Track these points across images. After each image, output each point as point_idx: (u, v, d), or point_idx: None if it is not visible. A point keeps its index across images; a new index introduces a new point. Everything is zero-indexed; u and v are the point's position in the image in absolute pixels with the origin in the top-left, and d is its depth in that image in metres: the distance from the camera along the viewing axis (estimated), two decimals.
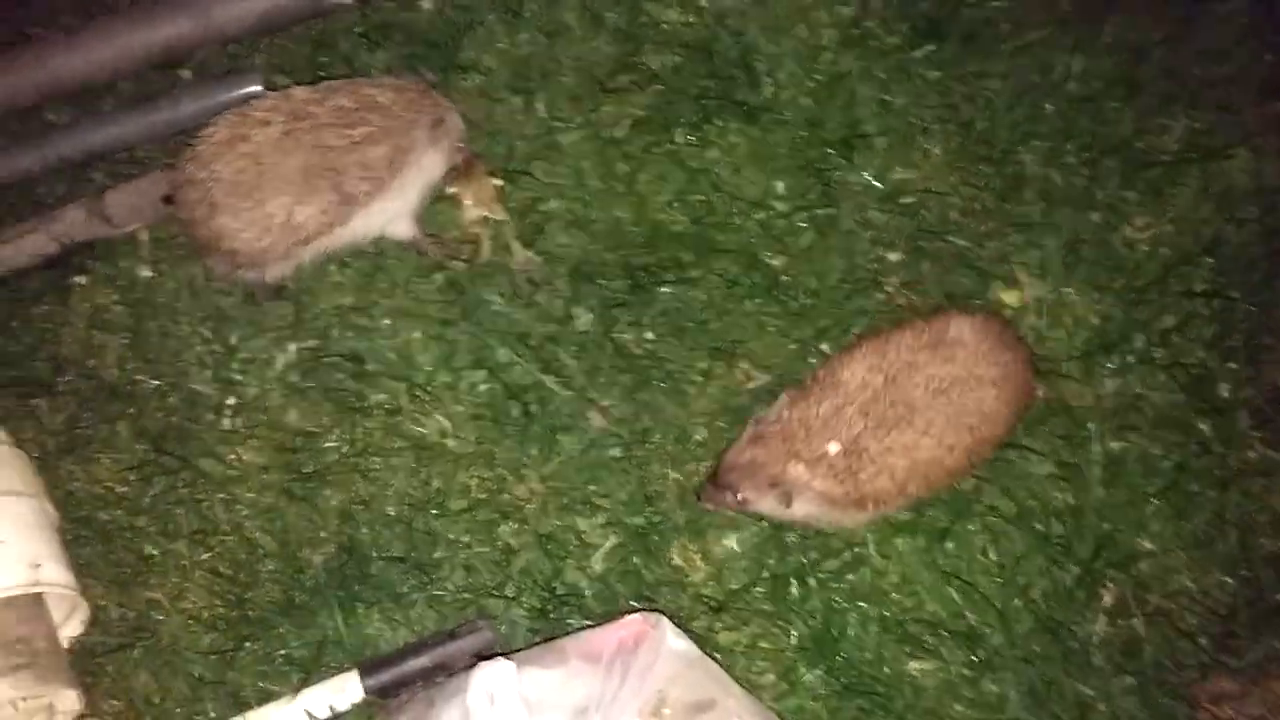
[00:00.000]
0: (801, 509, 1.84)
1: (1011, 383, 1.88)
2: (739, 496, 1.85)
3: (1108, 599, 1.94)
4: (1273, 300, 2.14)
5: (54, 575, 1.71)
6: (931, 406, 1.80)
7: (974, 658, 1.90)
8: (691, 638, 1.67)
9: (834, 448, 1.79)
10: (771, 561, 1.95)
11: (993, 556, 1.96)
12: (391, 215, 2.07)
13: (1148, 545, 1.98)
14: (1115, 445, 2.04)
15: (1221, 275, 2.16)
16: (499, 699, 1.50)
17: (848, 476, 1.79)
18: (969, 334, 1.87)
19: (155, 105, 2.19)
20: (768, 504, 1.85)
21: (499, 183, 2.15)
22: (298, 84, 2.05)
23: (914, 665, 1.90)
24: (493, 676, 1.52)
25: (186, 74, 2.26)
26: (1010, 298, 2.17)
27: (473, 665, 1.76)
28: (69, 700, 1.68)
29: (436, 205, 2.16)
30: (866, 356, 1.86)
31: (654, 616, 1.67)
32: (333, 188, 1.95)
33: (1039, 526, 1.97)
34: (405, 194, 2.05)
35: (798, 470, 1.79)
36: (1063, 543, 1.96)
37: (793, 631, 1.90)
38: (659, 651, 1.60)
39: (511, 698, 1.51)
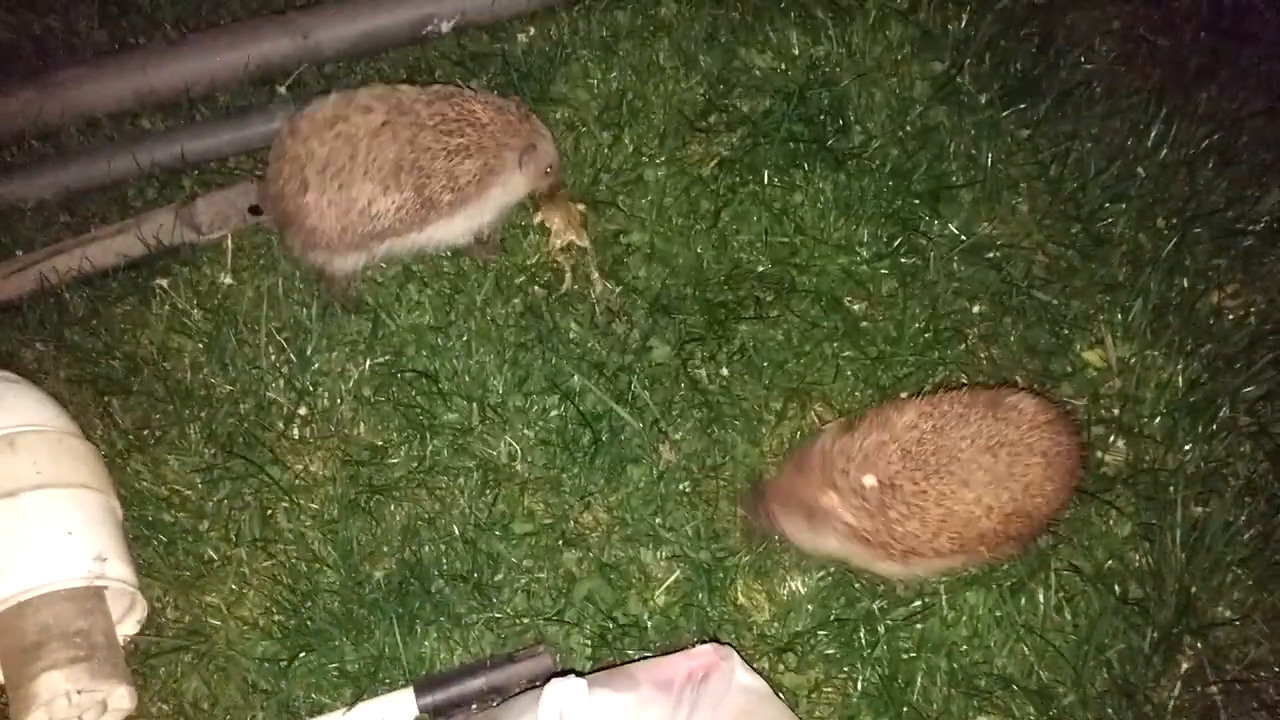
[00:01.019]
0: (830, 541, 1.82)
1: (1060, 464, 1.81)
2: (773, 520, 1.87)
3: (1185, 665, 1.89)
4: None
5: (117, 571, 1.71)
6: (975, 461, 1.76)
7: (1045, 717, 1.84)
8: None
9: (870, 480, 1.76)
10: (839, 606, 1.91)
11: (1068, 615, 1.92)
12: (466, 228, 2.09)
13: (1227, 614, 1.94)
14: (1197, 510, 2.01)
15: None
16: (569, 718, 1.47)
17: (878, 513, 1.75)
18: (1029, 404, 1.83)
19: (249, 119, 2.25)
20: (799, 529, 1.85)
21: (583, 210, 2.18)
22: None
23: None
24: (564, 694, 1.49)
25: (282, 90, 2.32)
26: (1094, 357, 2.16)
27: (528, 690, 1.75)
28: (122, 698, 1.66)
29: (523, 231, 2.19)
30: (921, 402, 1.84)
31: (724, 649, 1.65)
32: (416, 189, 1.98)
33: (1117, 587, 1.93)
34: (484, 211, 2.08)
35: (830, 500, 1.77)
36: (1141, 605, 1.92)
37: (858, 678, 1.85)
38: (729, 684, 1.58)
39: (581, 717, 1.47)
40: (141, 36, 2.38)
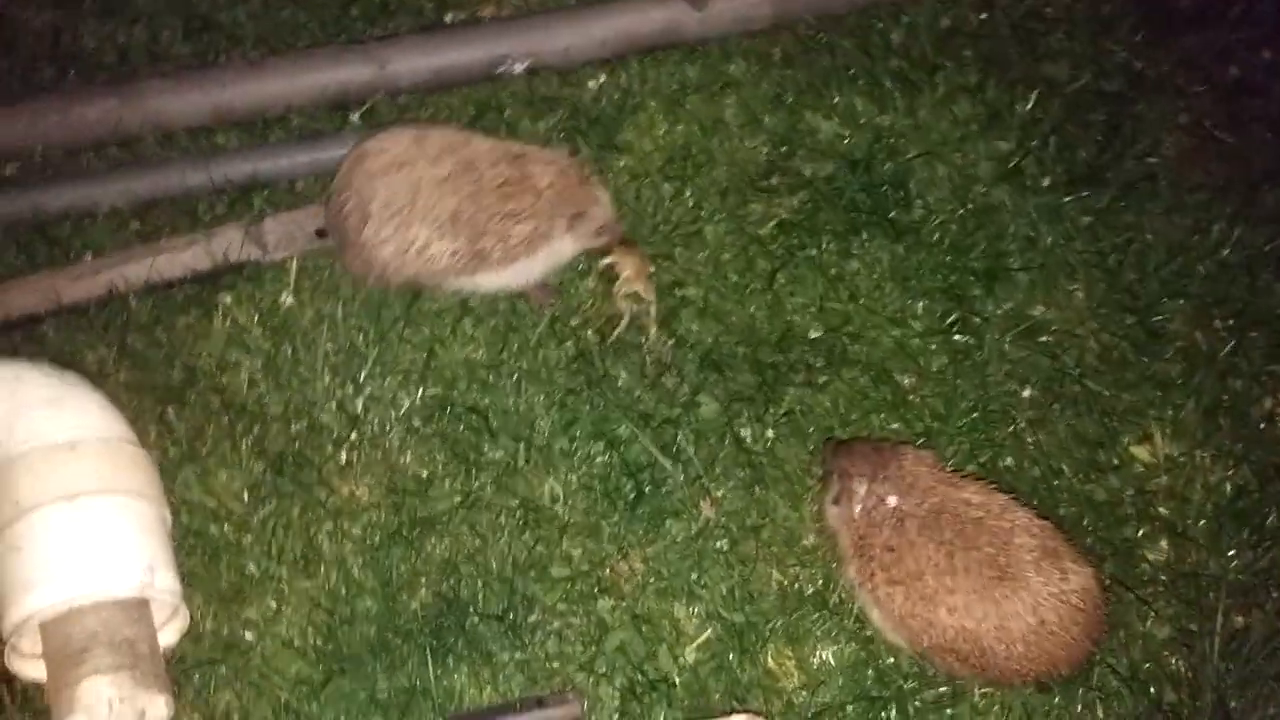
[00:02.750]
0: (832, 515, 1.98)
1: (1048, 645, 1.84)
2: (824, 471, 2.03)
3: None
4: None
5: (165, 582, 1.77)
6: (978, 571, 1.83)
7: None
8: None
9: (892, 500, 1.89)
10: (868, 681, 1.96)
11: (1100, 714, 1.95)
12: (516, 282, 2.22)
13: None
14: (1238, 620, 2.05)
15: None
16: None
17: (876, 526, 1.89)
18: (1078, 577, 1.85)
19: (322, 143, 2.36)
20: (831, 495, 1.98)
21: (652, 268, 2.26)
22: None
23: None
24: None
25: (355, 118, 2.43)
26: (1142, 452, 2.21)
27: None
28: (160, 707, 1.72)
29: (581, 275, 2.28)
30: (990, 492, 1.92)
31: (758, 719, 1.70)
32: (469, 240, 2.12)
33: (1153, 690, 1.97)
34: (533, 269, 2.22)
35: (859, 488, 1.91)
36: (1175, 712, 1.96)
37: None
38: None
39: None
40: (223, 54, 2.50)
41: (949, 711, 1.95)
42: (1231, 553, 2.11)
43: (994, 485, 1.97)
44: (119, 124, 2.36)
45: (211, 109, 2.39)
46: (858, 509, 1.91)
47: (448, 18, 2.61)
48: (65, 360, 2.09)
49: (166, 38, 2.54)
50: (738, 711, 1.87)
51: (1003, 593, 1.82)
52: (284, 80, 2.42)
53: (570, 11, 2.56)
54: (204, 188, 2.31)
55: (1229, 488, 2.17)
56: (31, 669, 1.78)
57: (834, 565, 2.03)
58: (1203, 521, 2.14)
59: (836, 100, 2.52)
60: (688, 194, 2.39)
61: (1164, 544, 2.11)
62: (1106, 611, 1.92)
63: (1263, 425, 2.25)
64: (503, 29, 2.52)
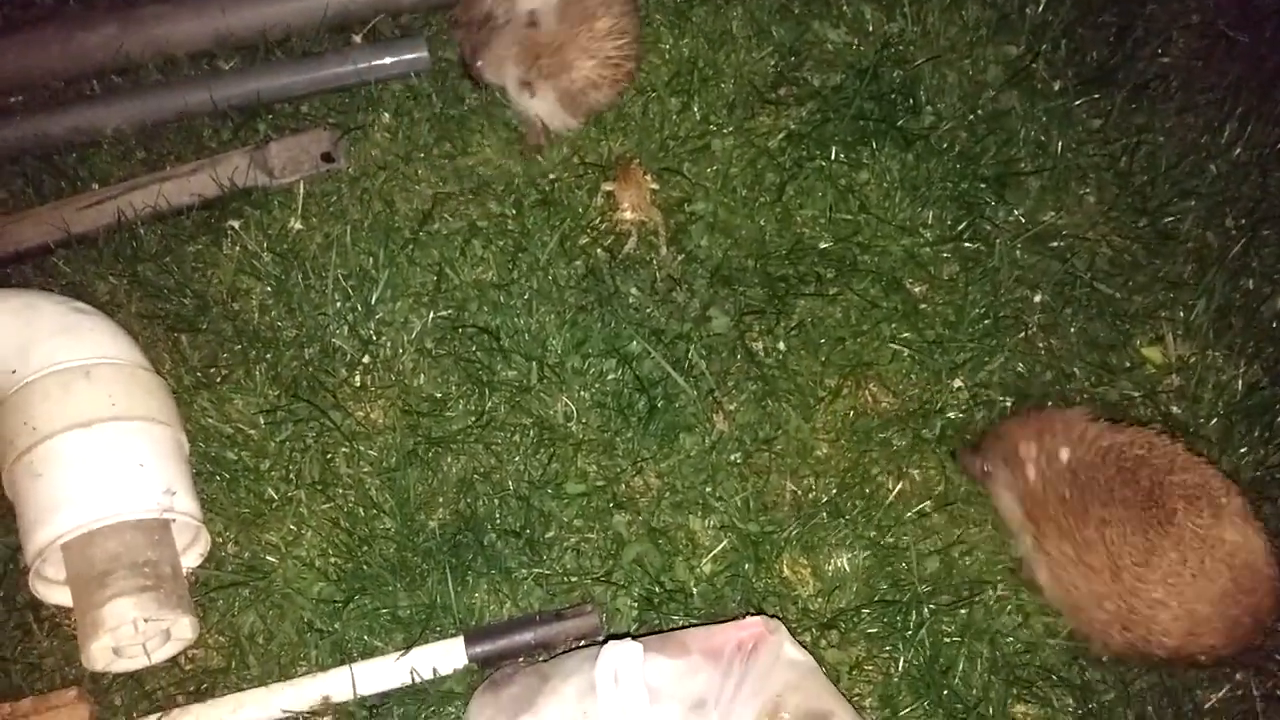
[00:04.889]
0: (1004, 495, 1.82)
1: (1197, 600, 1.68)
2: (985, 468, 1.85)
3: (1238, 675, 1.85)
4: None
5: (185, 505, 1.70)
6: (1129, 504, 1.69)
7: (1084, 710, 1.81)
8: None
9: (1065, 454, 1.75)
10: (884, 586, 1.88)
11: None
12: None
13: None
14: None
15: None
16: (623, 679, 1.46)
17: (1051, 485, 1.74)
18: (1239, 538, 1.68)
19: (323, 62, 2.21)
20: (1001, 483, 1.83)
21: (654, 187, 2.13)
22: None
23: (1020, 709, 1.82)
24: (620, 656, 1.47)
25: (357, 39, 2.28)
26: (1154, 354, 2.09)
27: (576, 648, 1.74)
28: (185, 628, 1.66)
29: (592, 197, 2.14)
30: (1157, 442, 1.75)
31: (773, 622, 1.63)
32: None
33: None
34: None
35: (1028, 450, 1.76)
36: None
37: (900, 659, 1.82)
38: (777, 657, 1.56)
39: (636, 680, 1.46)
40: None
41: (963, 613, 1.86)
42: (1243, 449, 2.00)
43: (1155, 429, 1.83)
44: (120, 50, 2.20)
45: (212, 33, 2.23)
46: (1032, 473, 1.77)
47: None
48: (77, 291, 2.00)
49: None
50: (752, 614, 1.79)
51: (1150, 521, 1.67)
52: (284, 2, 2.24)
53: None
54: (208, 112, 2.17)
55: (1240, 386, 2.05)
56: (57, 595, 1.72)
57: (1006, 541, 1.90)
58: (1214, 420, 2.03)
59: (844, 8, 2.34)
60: (695, 108, 2.23)
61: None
62: (1272, 582, 1.69)
63: (1275, 323, 2.11)
64: None
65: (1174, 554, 1.65)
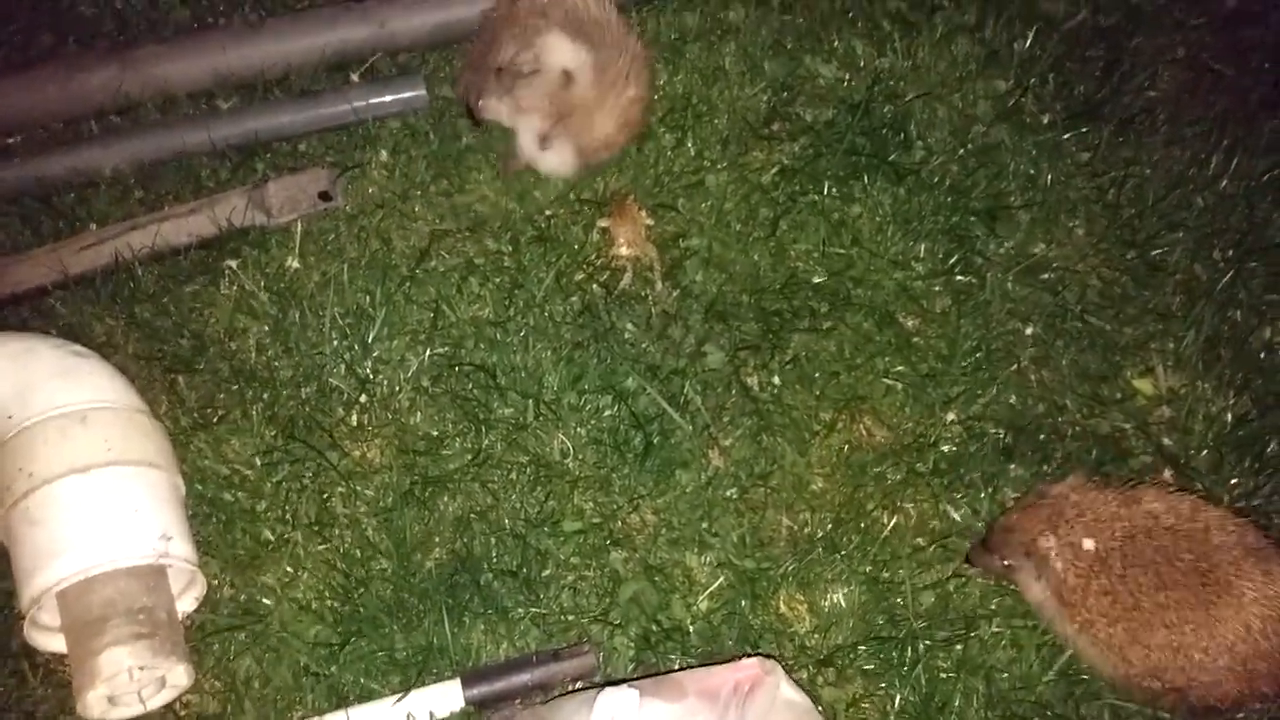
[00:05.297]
0: (1034, 587, 1.76)
1: (1255, 670, 1.67)
2: (1004, 563, 1.78)
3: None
4: None
5: (180, 550, 1.67)
6: (1183, 583, 1.66)
7: None
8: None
9: (1089, 545, 1.70)
10: (880, 622, 1.85)
11: None
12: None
13: None
14: None
15: None
16: None
17: (1085, 576, 1.70)
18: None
19: (321, 100, 2.19)
20: (1026, 574, 1.77)
21: (649, 222, 2.12)
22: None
23: None
24: (617, 703, 1.46)
25: (354, 77, 2.26)
26: (1144, 385, 2.08)
27: (574, 690, 1.71)
28: (181, 675, 1.63)
29: (588, 234, 2.13)
30: (1178, 506, 1.73)
31: (770, 663, 1.61)
32: None
33: None
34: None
35: (1048, 543, 1.71)
36: None
37: (896, 695, 1.80)
38: (774, 699, 1.54)
39: None
40: (221, 18, 2.31)
41: (958, 648, 1.84)
42: (1234, 480, 1.98)
43: (1160, 483, 1.82)
44: (119, 90, 2.19)
45: (211, 72, 2.21)
46: (1059, 565, 1.72)
47: None
48: (74, 333, 1.98)
49: (164, 3, 2.36)
50: (749, 655, 1.76)
51: (1209, 596, 1.65)
52: (283, 41, 2.23)
53: None
54: (206, 152, 2.15)
55: (1230, 417, 2.04)
56: (52, 642, 1.69)
57: (1050, 628, 1.82)
58: (1204, 451, 2.01)
59: (836, 44, 2.33)
60: (689, 144, 2.22)
61: (1167, 474, 1.98)
62: None
63: (1263, 354, 2.10)
64: None
65: (1236, 621, 1.64)
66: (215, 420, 1.94)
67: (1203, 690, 1.70)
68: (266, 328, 2.02)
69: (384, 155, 2.19)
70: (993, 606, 1.87)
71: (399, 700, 1.68)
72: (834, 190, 2.18)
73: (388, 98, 2.19)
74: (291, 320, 2.01)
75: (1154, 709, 1.78)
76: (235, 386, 1.96)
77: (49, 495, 1.64)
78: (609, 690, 1.47)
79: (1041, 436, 2.00)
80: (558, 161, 2.10)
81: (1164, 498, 1.75)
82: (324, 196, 2.10)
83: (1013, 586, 1.85)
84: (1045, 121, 2.27)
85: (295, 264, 2.08)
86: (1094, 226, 2.20)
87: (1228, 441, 2.02)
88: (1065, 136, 2.25)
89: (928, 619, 1.86)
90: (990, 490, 1.96)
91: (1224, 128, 2.28)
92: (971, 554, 1.86)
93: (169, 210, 2.08)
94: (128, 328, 2.00)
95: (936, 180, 2.19)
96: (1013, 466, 1.98)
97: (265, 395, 1.95)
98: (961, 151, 2.23)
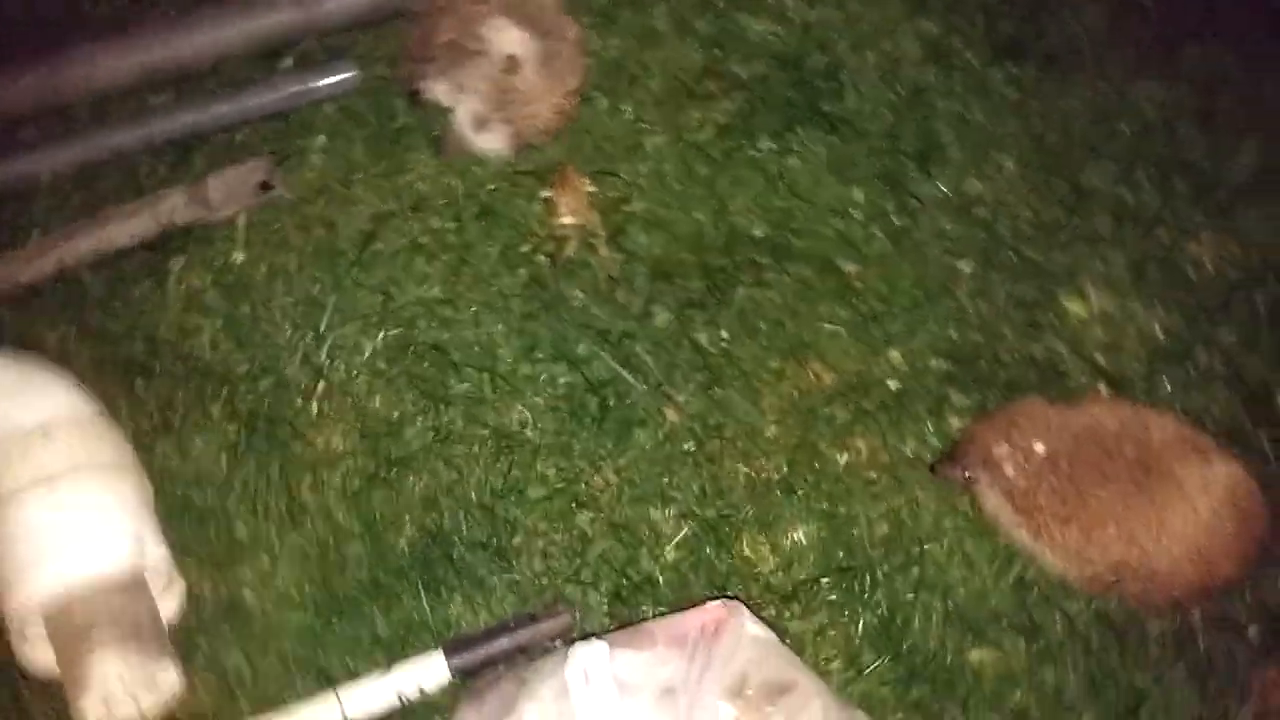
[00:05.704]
0: (990, 496, 1.84)
1: (1208, 545, 1.75)
2: (965, 474, 1.86)
3: None
4: None
5: (154, 551, 1.69)
6: (1126, 479, 1.74)
7: (1034, 647, 1.87)
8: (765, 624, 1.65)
9: (1039, 447, 1.78)
10: (840, 554, 1.92)
11: None
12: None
13: None
14: None
15: None
16: (594, 677, 1.49)
17: (1035, 479, 1.78)
18: (1220, 472, 1.76)
19: (254, 89, 2.17)
20: (984, 483, 1.85)
21: (591, 189, 2.12)
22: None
23: (975, 654, 1.87)
24: (588, 656, 1.51)
25: (287, 63, 2.23)
26: (1077, 308, 2.13)
27: (551, 648, 1.76)
28: (170, 676, 1.66)
29: (531, 205, 2.13)
30: (1120, 410, 1.83)
31: (733, 604, 1.65)
32: None
33: None
34: None
35: (1001, 451, 1.79)
36: None
37: (860, 621, 1.87)
38: (740, 637, 1.59)
39: (605, 677, 1.50)
40: (143, 13, 2.27)
41: (915, 570, 1.91)
42: (1167, 389, 2.05)
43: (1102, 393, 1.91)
44: (50, 94, 2.15)
45: (140, 69, 2.18)
46: (1011, 471, 1.80)
47: None
48: (26, 343, 1.96)
49: (87, 4, 2.31)
50: (712, 599, 1.81)
51: (1154, 488, 1.73)
52: (210, 32, 2.20)
53: None
54: (142, 149, 2.13)
55: (1160, 332, 2.10)
56: (41, 655, 1.70)
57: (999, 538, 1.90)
58: (1137, 365, 2.07)
59: None
60: (625, 107, 2.22)
61: (1102, 388, 2.04)
62: (1263, 504, 1.78)
63: (1189, 269, 2.16)
64: None
65: (1183, 509, 1.72)
66: (177, 421, 1.94)
67: (1165, 581, 1.79)
68: (218, 324, 2.01)
69: (322, 140, 2.18)
70: (945, 526, 1.94)
71: (383, 677, 1.71)
72: (770, 144, 2.20)
73: (321, 82, 2.17)
74: (243, 314, 2.01)
75: (1104, 601, 1.87)
76: (193, 385, 1.96)
77: (19, 509, 1.65)
78: (580, 645, 1.52)
79: (982, 364, 2.05)
80: (494, 144, 2.09)
81: (1108, 404, 1.85)
82: (265, 186, 2.08)
83: (965, 508, 1.92)
84: (973, 62, 2.29)
85: (241, 257, 2.07)
86: (1023, 160, 2.23)
87: (1159, 354, 2.08)
88: (994, 73, 2.28)
89: (884, 546, 1.92)
90: (936, 420, 2.01)
91: (1147, 58, 2.31)
92: (936, 466, 1.93)
93: (110, 212, 2.06)
94: (80, 335, 1.99)
95: (869, 127, 2.22)
96: (956, 396, 2.03)
97: (224, 391, 1.96)
98: (892, 96, 2.25)
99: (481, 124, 2.06)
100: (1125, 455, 1.75)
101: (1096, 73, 2.30)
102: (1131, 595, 1.84)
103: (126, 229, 2.03)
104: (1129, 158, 2.23)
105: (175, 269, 2.04)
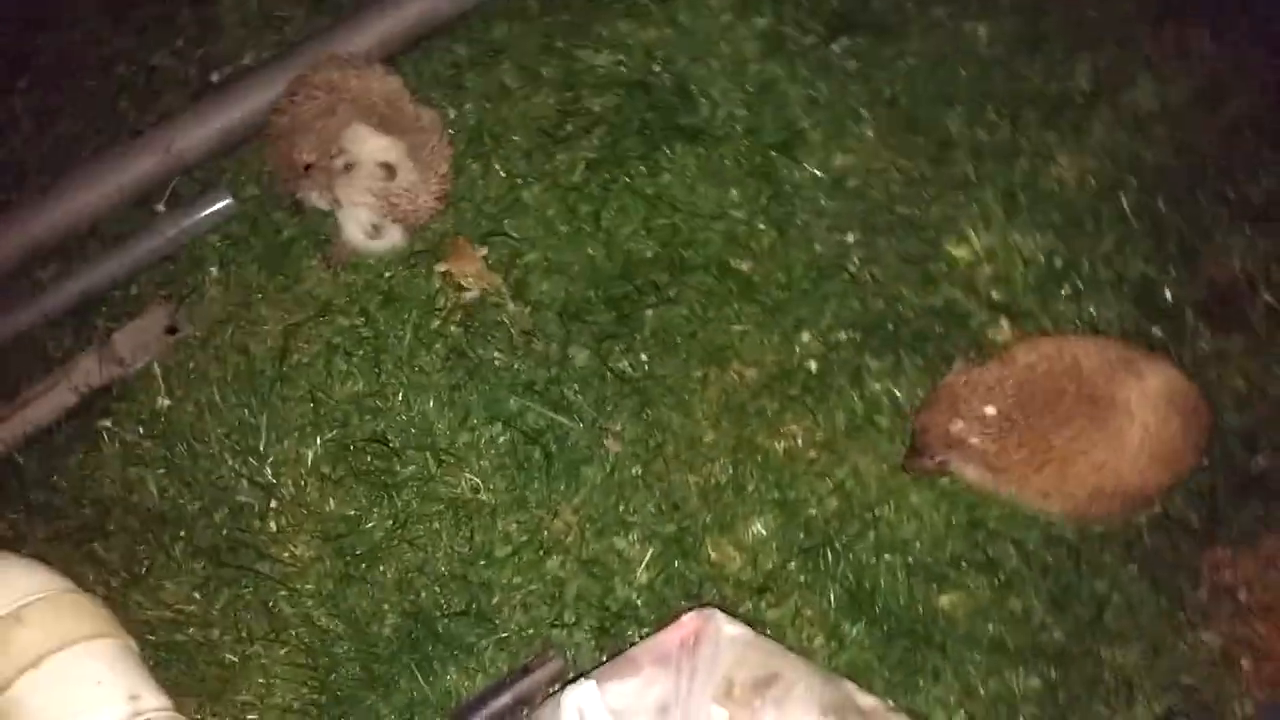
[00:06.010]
0: (968, 468, 1.93)
1: (1161, 444, 1.86)
2: (935, 460, 1.94)
3: None
4: (1194, 207, 2.23)
5: (152, 702, 1.71)
6: (1077, 409, 1.84)
7: (996, 581, 1.97)
8: (742, 621, 1.72)
9: (990, 410, 1.87)
10: (800, 537, 2.00)
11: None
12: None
13: None
14: None
15: (1146, 193, 2.24)
16: (588, 714, 1.55)
17: (1001, 438, 1.87)
18: (1155, 374, 1.88)
19: (137, 239, 2.20)
20: (956, 461, 1.93)
21: (484, 253, 2.19)
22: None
23: (944, 599, 1.97)
24: (580, 697, 1.57)
25: (160, 207, 2.27)
26: (962, 252, 2.23)
27: (552, 694, 1.83)
28: None
29: (430, 282, 2.19)
30: (1047, 342, 1.95)
31: (706, 611, 1.72)
32: None
33: None
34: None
35: (959, 427, 1.88)
36: None
37: (830, 595, 1.96)
38: (718, 641, 1.66)
39: (599, 712, 1.56)
40: (13, 192, 2.30)
41: (871, 535, 2.00)
42: (1061, 307, 2.16)
43: (1025, 333, 2.00)
44: None
45: (21, 249, 2.20)
46: (975, 440, 1.88)
47: (214, 77, 2.41)
48: None
49: None
50: (687, 610, 1.88)
51: (1103, 416, 1.84)
52: (81, 195, 2.23)
53: (328, 31, 2.35)
54: (44, 324, 2.16)
55: (1041, 255, 2.21)
56: None
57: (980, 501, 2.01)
58: (1030, 293, 2.18)
59: (602, 31, 2.40)
60: (496, 167, 2.29)
61: (1004, 322, 2.15)
62: (1198, 393, 1.92)
63: (1056, 189, 2.27)
64: (270, 71, 2.30)
65: (1134, 425, 1.84)
66: (143, 572, 1.98)
67: (1140, 490, 1.91)
68: (160, 471, 2.06)
69: (214, 271, 2.22)
70: (890, 486, 2.04)
71: None
72: (641, 168, 2.28)
73: (200, 214, 2.21)
74: (181, 455, 2.06)
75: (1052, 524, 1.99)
76: (150, 535, 2.01)
77: (10, 701, 1.67)
78: (570, 689, 1.59)
79: (889, 326, 2.15)
80: (390, 243, 2.16)
81: (1031, 347, 1.94)
82: (171, 330, 2.13)
83: (930, 477, 2.02)
84: (809, 43, 2.38)
85: (166, 402, 2.11)
86: (880, 125, 2.33)
87: (1049, 277, 2.19)
88: (831, 49, 2.37)
89: (838, 519, 2.02)
90: (859, 389, 2.11)
91: (969, 1, 2.41)
92: (906, 464, 2.01)
93: (27, 394, 2.09)
94: (28, 516, 2.03)
95: (729, 129, 2.30)
96: (872, 361, 2.13)
97: (181, 533, 2.01)
98: (743, 95, 2.34)
99: (377, 231, 2.13)
100: (1069, 392, 1.86)
101: (926, 26, 2.40)
102: (1115, 513, 1.96)
103: (47, 405, 2.07)
104: (976, 99, 2.34)
105: (105, 430, 2.08)
